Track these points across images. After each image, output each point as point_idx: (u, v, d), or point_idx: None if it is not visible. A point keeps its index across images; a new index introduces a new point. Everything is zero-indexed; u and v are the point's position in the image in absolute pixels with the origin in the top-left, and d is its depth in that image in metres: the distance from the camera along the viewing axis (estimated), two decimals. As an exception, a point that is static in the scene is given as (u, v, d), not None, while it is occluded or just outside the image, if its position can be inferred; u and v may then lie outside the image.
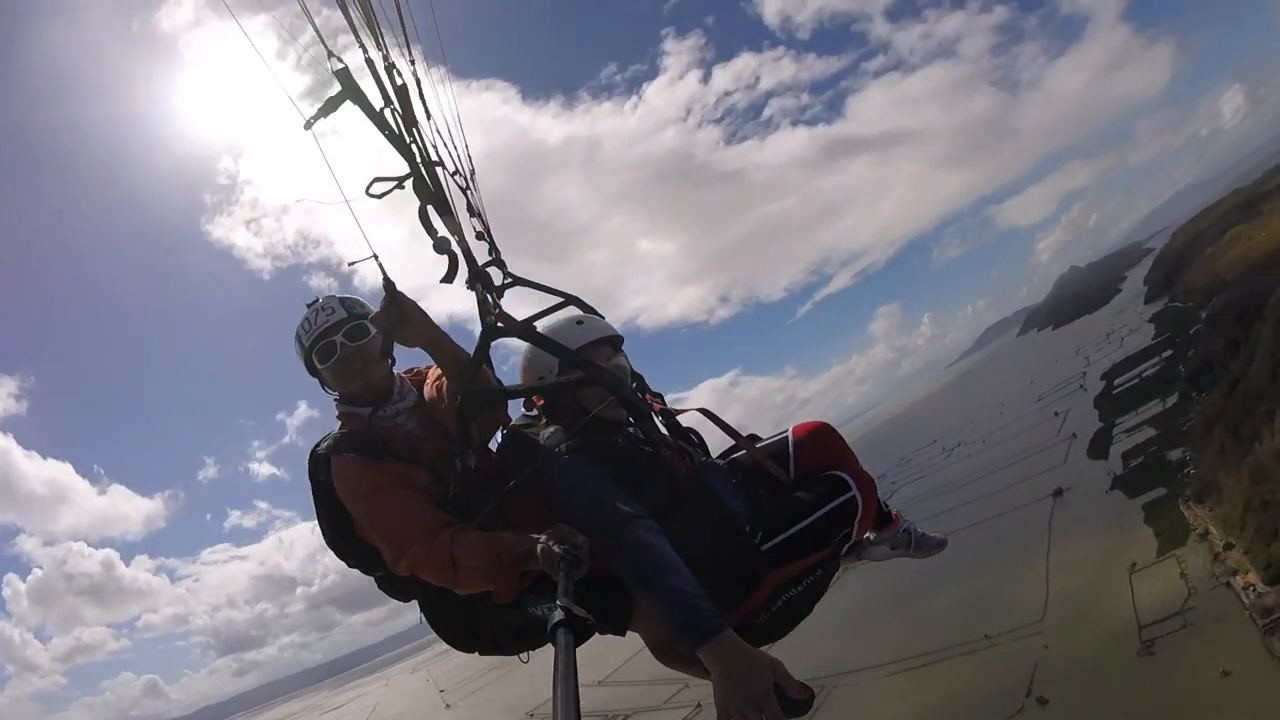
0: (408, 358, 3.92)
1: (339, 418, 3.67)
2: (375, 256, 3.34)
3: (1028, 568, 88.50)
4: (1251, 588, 62.08)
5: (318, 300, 3.67)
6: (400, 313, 3.39)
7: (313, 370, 3.67)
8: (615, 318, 3.75)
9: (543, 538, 2.84)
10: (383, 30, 3.13)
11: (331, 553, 3.68)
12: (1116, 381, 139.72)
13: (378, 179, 3.21)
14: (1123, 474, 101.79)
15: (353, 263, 3.43)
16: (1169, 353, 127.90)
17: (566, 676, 1.87)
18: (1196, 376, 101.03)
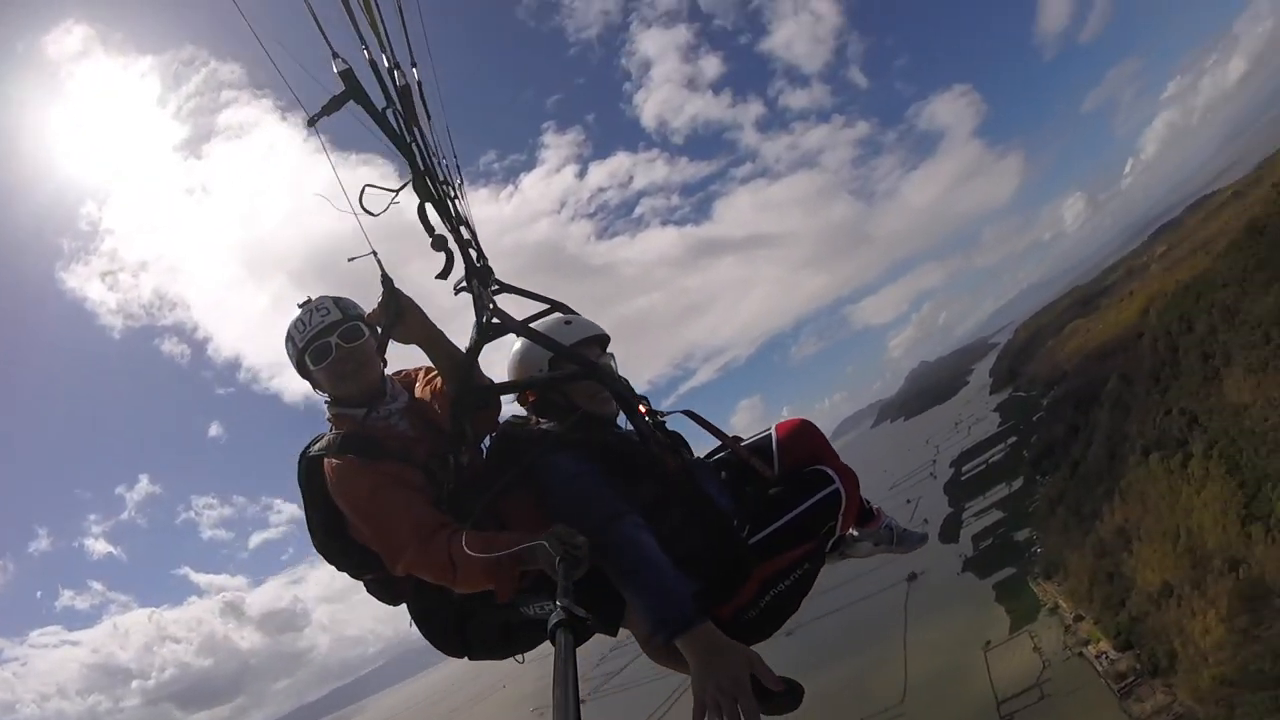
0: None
1: (330, 420, 3.57)
2: (374, 253, 3.47)
3: (886, 652, 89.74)
4: (1104, 655, 64.57)
5: (310, 300, 3.55)
6: (399, 309, 3.53)
7: (304, 372, 3.56)
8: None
9: (542, 538, 2.82)
10: (388, 32, 3.19)
11: (322, 557, 3.63)
12: (965, 468, 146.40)
13: (370, 186, 3.38)
14: (973, 556, 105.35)
15: (352, 258, 3.52)
16: (1013, 439, 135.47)
17: (566, 677, 1.90)
18: (1039, 461, 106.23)
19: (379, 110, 3.02)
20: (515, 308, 4.26)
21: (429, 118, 3.69)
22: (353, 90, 2.89)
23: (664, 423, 3.82)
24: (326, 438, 3.47)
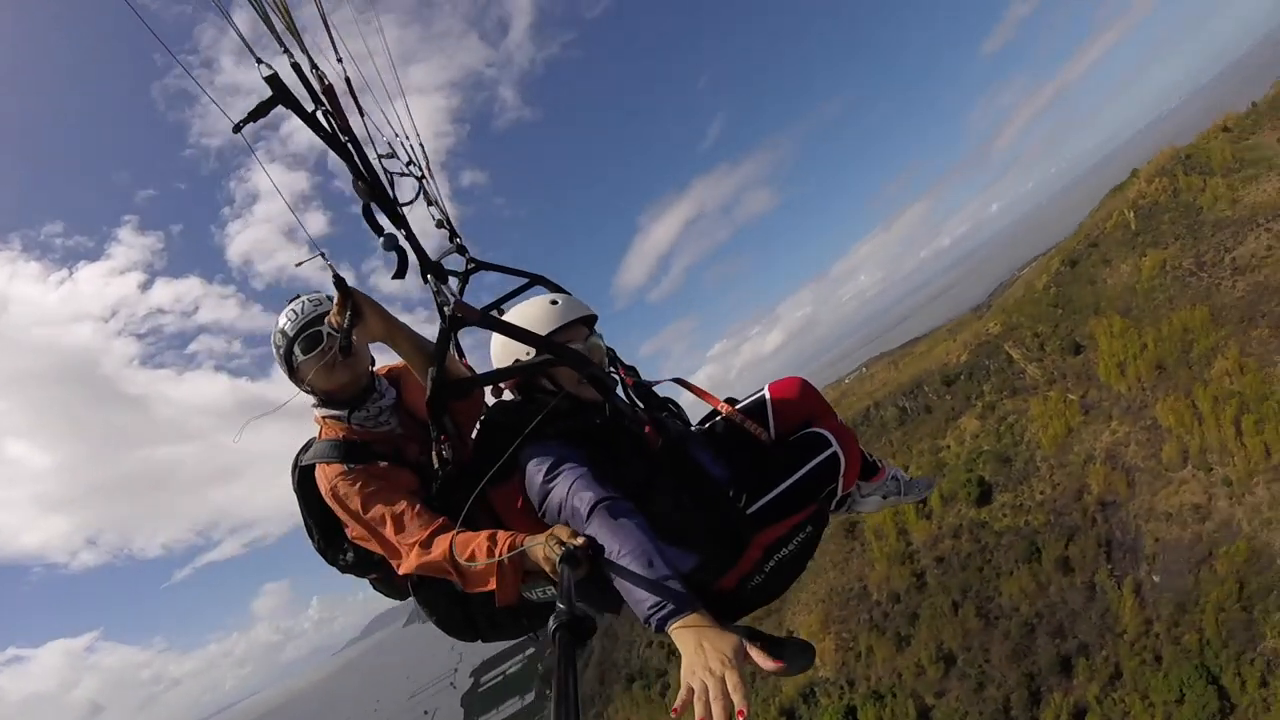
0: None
1: (318, 422, 3.48)
2: (323, 254, 3.33)
3: None
4: None
5: (299, 296, 3.50)
6: (356, 308, 3.33)
7: (291, 367, 3.42)
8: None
9: (542, 538, 2.77)
10: (299, 34, 3.01)
11: (324, 560, 3.60)
12: (484, 679, 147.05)
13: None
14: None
15: (299, 263, 3.40)
16: (530, 651, 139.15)
17: (566, 678, 1.92)
18: (549, 676, 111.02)
19: (309, 113, 2.83)
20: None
21: (362, 114, 3.56)
22: (280, 95, 2.70)
23: (654, 392, 3.87)
24: (316, 444, 3.42)
